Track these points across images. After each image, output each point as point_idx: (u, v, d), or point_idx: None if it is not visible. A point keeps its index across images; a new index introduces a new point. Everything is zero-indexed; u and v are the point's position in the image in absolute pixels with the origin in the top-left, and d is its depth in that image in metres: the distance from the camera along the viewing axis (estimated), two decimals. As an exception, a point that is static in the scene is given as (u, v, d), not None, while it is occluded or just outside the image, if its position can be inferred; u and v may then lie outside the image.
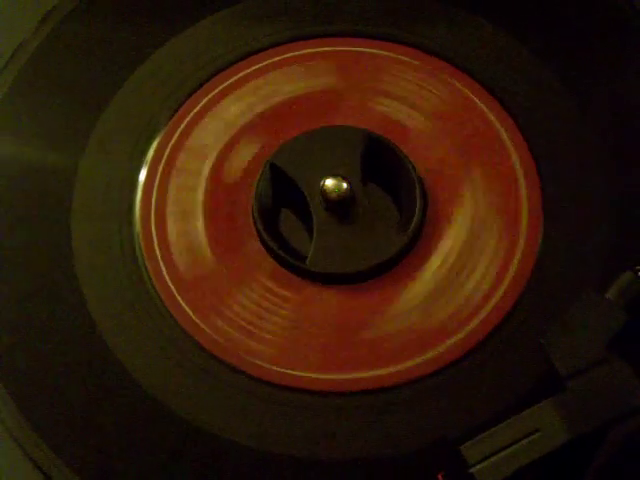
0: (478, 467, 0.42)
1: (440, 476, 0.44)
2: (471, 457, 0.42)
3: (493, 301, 0.49)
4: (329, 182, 0.50)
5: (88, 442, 0.47)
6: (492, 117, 0.53)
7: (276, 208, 0.53)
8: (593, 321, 0.44)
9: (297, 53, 0.54)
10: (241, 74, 0.54)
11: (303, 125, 0.53)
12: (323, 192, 0.50)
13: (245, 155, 0.53)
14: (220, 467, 0.47)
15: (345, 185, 0.50)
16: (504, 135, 0.52)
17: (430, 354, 0.48)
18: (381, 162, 0.52)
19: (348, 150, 0.52)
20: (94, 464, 0.47)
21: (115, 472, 0.47)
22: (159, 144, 0.53)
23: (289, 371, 0.48)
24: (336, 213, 0.51)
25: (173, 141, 0.53)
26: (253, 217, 0.51)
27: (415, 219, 0.50)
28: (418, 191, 0.50)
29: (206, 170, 0.52)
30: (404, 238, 0.50)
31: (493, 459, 0.42)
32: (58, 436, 0.47)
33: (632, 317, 0.45)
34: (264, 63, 0.54)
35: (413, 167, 0.51)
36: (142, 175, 0.52)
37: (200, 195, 0.52)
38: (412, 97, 0.53)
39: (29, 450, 0.47)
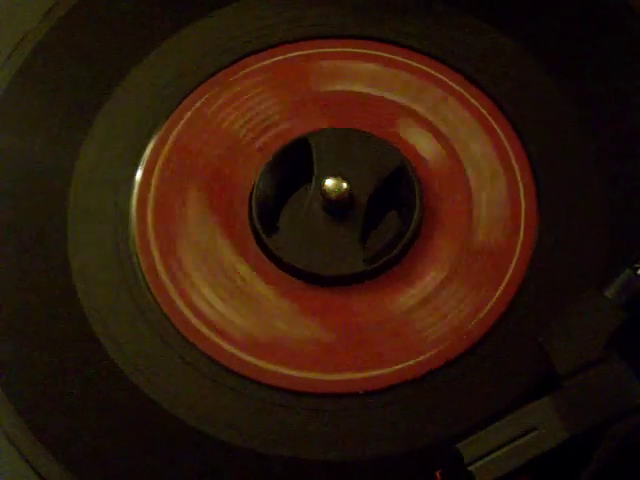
0: (475, 465, 0.42)
1: (438, 474, 0.44)
2: (468, 455, 0.42)
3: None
4: (329, 182, 0.50)
5: (86, 444, 0.47)
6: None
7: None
8: (592, 319, 0.44)
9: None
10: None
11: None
12: (323, 191, 0.50)
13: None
14: (219, 468, 0.47)
15: (345, 185, 0.50)
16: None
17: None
18: (399, 187, 0.52)
19: (375, 164, 0.51)
20: (93, 467, 0.47)
21: (114, 474, 0.47)
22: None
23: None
24: (330, 212, 0.51)
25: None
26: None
27: (385, 258, 0.50)
28: (409, 234, 0.50)
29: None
30: (365, 266, 0.50)
31: (490, 457, 0.42)
32: (56, 439, 0.47)
33: (631, 315, 0.45)
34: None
35: (422, 209, 0.51)
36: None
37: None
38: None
39: (27, 453, 0.47)
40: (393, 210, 0.52)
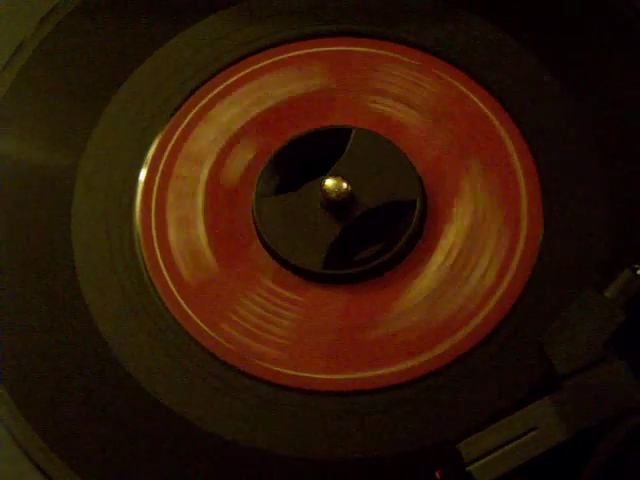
0: (475, 465, 0.42)
1: (438, 474, 0.44)
2: (468, 455, 0.42)
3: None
4: (329, 182, 0.50)
5: (89, 443, 0.47)
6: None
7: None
8: (592, 320, 0.45)
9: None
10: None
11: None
12: (323, 191, 0.50)
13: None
14: (222, 468, 0.47)
15: (345, 186, 0.50)
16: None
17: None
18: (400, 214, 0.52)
19: (391, 186, 0.51)
20: (95, 465, 0.47)
21: (116, 473, 0.47)
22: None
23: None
24: (325, 208, 0.51)
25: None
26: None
27: (337, 272, 0.50)
28: (386, 255, 0.50)
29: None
30: (321, 269, 0.50)
31: (490, 457, 0.42)
32: (59, 437, 0.47)
33: (630, 316, 0.45)
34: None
35: (413, 235, 0.51)
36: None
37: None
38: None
39: (30, 451, 0.48)
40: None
